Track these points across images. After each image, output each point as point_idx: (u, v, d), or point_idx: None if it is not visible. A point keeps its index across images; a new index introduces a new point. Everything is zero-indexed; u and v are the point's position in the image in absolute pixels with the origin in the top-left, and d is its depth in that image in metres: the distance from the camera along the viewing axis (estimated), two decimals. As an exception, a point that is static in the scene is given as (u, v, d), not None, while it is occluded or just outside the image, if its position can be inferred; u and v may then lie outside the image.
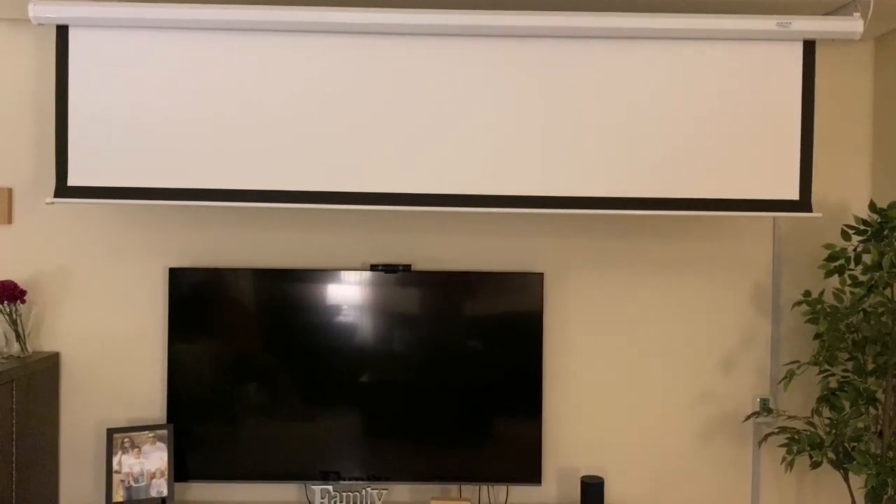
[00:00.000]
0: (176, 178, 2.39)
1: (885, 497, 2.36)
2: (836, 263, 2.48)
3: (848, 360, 2.52)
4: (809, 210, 2.43)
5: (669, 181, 2.41)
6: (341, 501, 2.59)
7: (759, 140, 2.42)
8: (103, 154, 2.38)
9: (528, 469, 2.66)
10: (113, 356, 2.73)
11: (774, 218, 2.79)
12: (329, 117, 2.39)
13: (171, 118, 2.38)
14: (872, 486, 2.35)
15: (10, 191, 2.69)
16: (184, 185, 2.39)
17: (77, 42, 2.37)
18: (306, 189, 2.39)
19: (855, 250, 2.48)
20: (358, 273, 2.64)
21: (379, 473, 2.64)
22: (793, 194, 2.42)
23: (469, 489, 2.74)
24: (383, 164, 2.39)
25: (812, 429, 2.52)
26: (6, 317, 2.58)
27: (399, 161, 2.39)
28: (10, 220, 2.70)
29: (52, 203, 2.38)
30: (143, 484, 2.55)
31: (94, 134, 2.38)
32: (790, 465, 2.46)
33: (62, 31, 2.36)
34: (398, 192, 2.39)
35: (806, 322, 2.55)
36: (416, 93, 2.40)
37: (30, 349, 2.63)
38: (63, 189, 2.39)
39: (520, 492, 2.77)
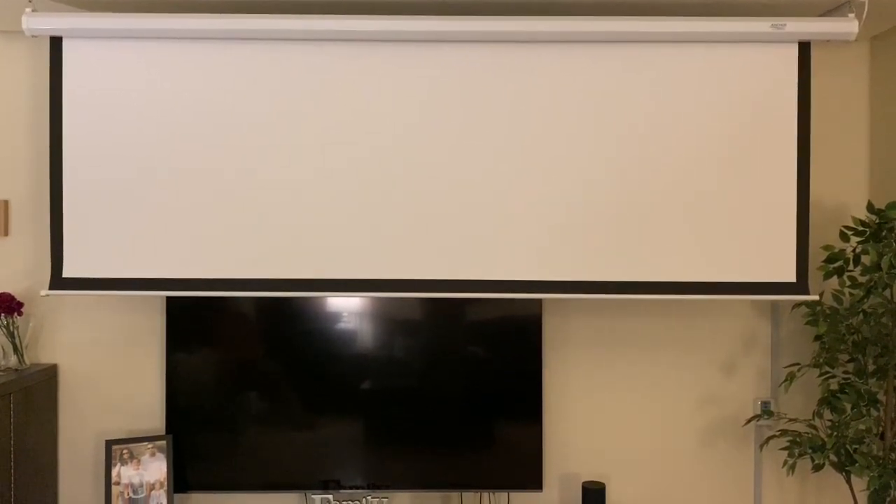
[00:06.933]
0: (163, 268, 2.38)
1: (888, 499, 2.35)
2: (835, 265, 2.48)
3: (848, 361, 2.51)
4: (806, 293, 2.41)
5: (664, 264, 2.40)
6: (342, 510, 2.59)
7: (753, 216, 2.40)
8: (98, 242, 2.37)
9: (529, 475, 2.64)
10: (111, 367, 2.72)
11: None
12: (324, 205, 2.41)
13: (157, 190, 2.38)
14: (875, 489, 2.34)
15: (6, 203, 2.69)
16: (174, 276, 2.38)
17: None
18: (296, 277, 2.39)
19: (854, 251, 2.48)
20: (356, 281, 2.63)
21: (379, 482, 2.63)
22: (789, 276, 2.40)
23: (470, 496, 2.73)
24: (372, 253, 2.40)
25: (813, 431, 2.51)
26: (3, 329, 2.57)
27: (390, 250, 2.40)
28: (6, 233, 2.69)
29: (48, 295, 2.39)
30: (143, 495, 2.54)
31: (89, 211, 2.37)
32: (792, 468, 2.45)
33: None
34: (394, 278, 2.40)
35: (806, 324, 2.55)
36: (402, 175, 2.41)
37: (27, 361, 2.61)
38: (58, 281, 2.38)
39: (521, 498, 2.76)
